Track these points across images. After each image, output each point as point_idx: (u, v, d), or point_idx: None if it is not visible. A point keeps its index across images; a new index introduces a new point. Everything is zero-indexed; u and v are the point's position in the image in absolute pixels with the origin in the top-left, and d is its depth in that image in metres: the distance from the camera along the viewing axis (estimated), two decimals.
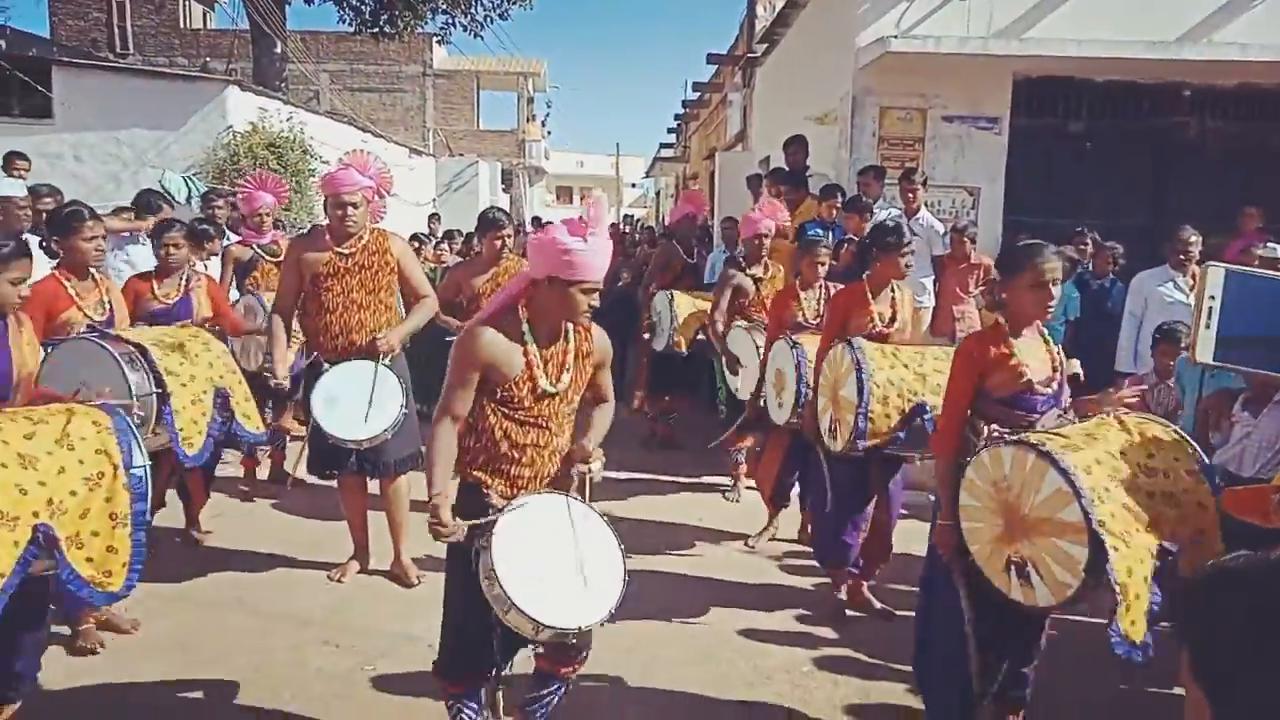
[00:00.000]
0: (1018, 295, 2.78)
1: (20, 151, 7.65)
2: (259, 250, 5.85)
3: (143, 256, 5.68)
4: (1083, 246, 6.63)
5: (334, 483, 4.37)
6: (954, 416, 2.88)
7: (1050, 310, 2.79)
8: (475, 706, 2.74)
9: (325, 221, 4.17)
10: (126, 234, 6.06)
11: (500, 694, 2.83)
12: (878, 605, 4.14)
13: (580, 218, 2.50)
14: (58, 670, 3.16)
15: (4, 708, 2.75)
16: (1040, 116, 7.45)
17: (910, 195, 6.62)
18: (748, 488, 5.90)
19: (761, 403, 4.73)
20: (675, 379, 6.89)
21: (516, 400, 2.56)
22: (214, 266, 5.75)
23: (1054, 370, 2.87)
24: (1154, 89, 7.35)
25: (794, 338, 4.46)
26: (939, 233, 6.64)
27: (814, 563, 4.45)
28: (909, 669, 3.57)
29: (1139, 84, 7.33)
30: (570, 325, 2.64)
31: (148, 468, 2.56)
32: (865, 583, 4.19)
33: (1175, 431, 2.71)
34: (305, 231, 4.31)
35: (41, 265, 4.17)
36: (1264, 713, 0.71)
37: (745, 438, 5.64)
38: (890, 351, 3.83)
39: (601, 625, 2.45)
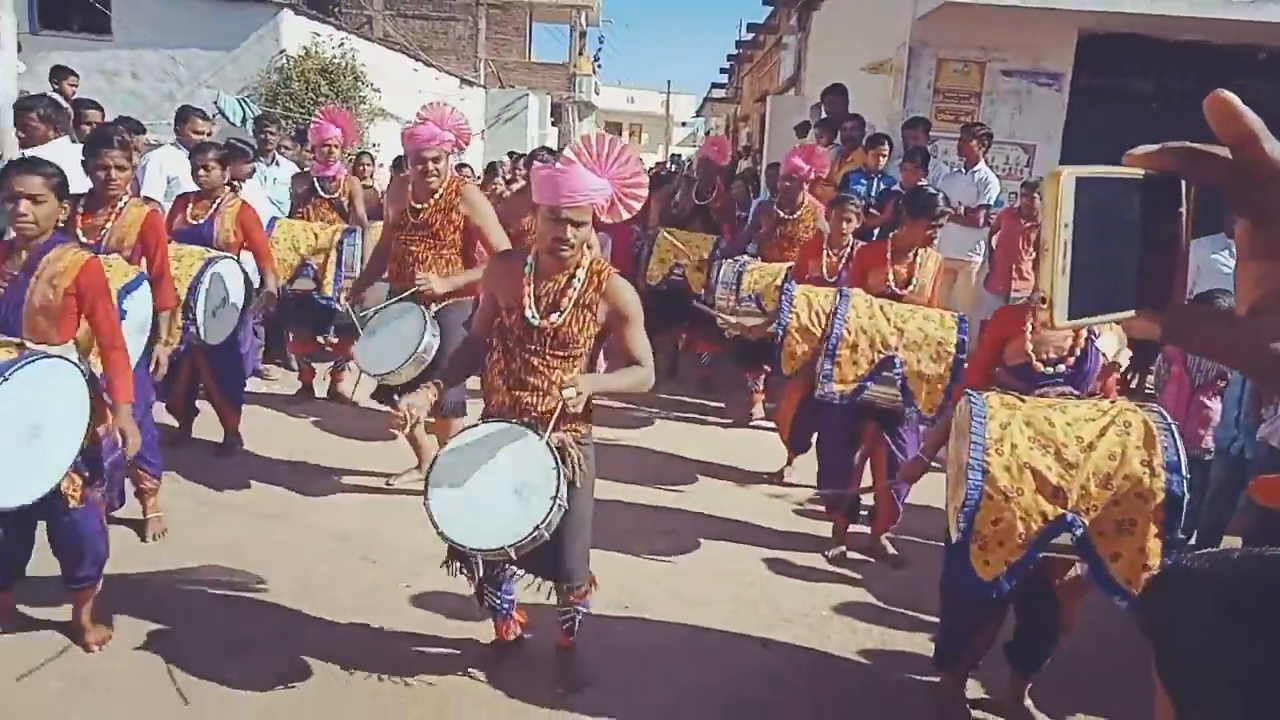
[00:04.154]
0: None
1: (68, 67, 7.72)
2: (318, 183, 5.95)
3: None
4: None
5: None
6: (971, 379, 3.05)
7: None
8: (498, 593, 2.96)
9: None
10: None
11: (487, 590, 2.97)
12: (890, 550, 4.22)
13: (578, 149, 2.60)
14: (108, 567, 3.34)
15: (87, 590, 3.02)
16: (1104, 75, 7.24)
17: (970, 148, 6.51)
18: (754, 425, 6.05)
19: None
20: (680, 320, 6.89)
21: (507, 329, 2.67)
22: (249, 189, 5.79)
23: (1070, 353, 2.93)
24: (1227, 50, 7.08)
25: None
26: (989, 190, 6.53)
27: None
28: (929, 618, 3.67)
29: (1211, 44, 7.07)
30: (582, 272, 2.63)
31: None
32: (879, 535, 4.26)
33: (1161, 425, 2.61)
34: (405, 174, 4.30)
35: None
36: (1225, 714, 0.69)
37: (758, 369, 5.80)
38: (879, 305, 3.89)
39: (502, 552, 2.50)
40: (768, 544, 4.34)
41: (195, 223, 4.60)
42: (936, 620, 3.57)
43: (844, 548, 4.23)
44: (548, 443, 2.56)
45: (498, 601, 2.98)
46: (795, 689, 3.22)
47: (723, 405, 6.52)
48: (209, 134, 5.79)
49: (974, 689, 3.18)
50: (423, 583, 3.62)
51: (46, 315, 2.81)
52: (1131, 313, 0.72)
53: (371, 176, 7.29)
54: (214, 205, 4.64)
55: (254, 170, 6.09)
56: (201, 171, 4.60)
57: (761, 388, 6.09)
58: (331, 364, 6.06)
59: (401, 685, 2.98)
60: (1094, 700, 3.17)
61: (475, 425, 2.68)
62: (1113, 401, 2.78)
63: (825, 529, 4.49)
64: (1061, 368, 2.93)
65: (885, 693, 3.24)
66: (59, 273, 2.83)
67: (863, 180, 6.52)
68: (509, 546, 2.47)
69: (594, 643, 3.21)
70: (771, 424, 6.06)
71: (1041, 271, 0.68)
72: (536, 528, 2.47)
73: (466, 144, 4.18)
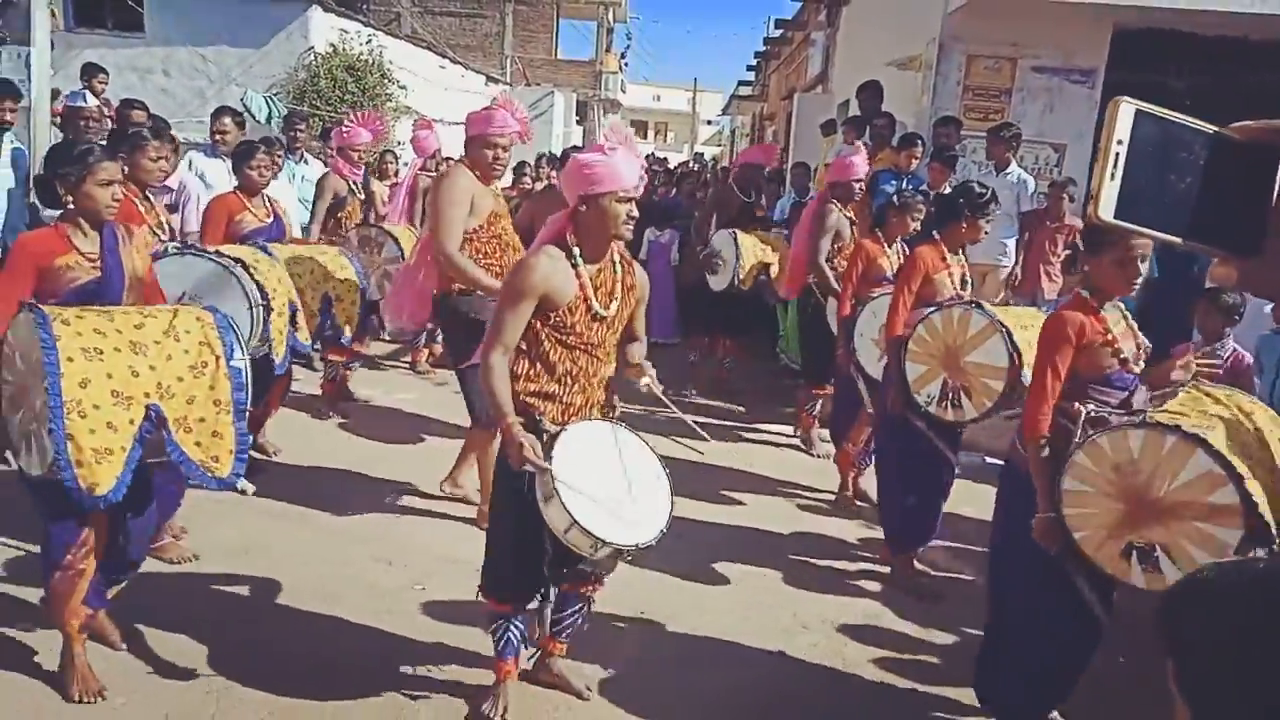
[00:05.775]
0: (1102, 270, 2.63)
1: (98, 65, 7.86)
2: (353, 186, 5.98)
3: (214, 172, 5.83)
4: None
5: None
6: (1048, 397, 2.65)
7: (1135, 286, 2.65)
8: (521, 626, 2.84)
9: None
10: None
11: (548, 611, 2.90)
12: (920, 567, 4.14)
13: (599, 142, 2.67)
14: None
15: (112, 588, 2.97)
16: (1137, 71, 7.07)
17: (999, 151, 6.40)
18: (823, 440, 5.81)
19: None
20: (722, 322, 6.78)
21: (570, 325, 2.63)
22: (277, 186, 5.80)
23: (1138, 346, 2.77)
24: (1264, 46, 6.90)
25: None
26: (1029, 190, 6.42)
27: (857, 516, 4.47)
28: (944, 630, 3.61)
29: (1249, 40, 6.89)
30: (617, 257, 2.71)
31: (247, 363, 2.77)
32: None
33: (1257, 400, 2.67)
34: (450, 166, 4.19)
35: None
36: None
37: (825, 387, 5.56)
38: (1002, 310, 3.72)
39: (654, 543, 2.54)
40: (784, 550, 4.28)
41: (267, 222, 4.64)
42: (952, 630, 3.53)
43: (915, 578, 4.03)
44: (640, 437, 2.72)
45: (517, 633, 2.84)
46: (810, 697, 3.17)
47: (743, 409, 6.46)
48: (233, 134, 5.81)
49: None
50: (436, 585, 3.61)
51: (141, 283, 2.96)
52: (1179, 240, 0.83)
53: (396, 175, 7.29)
54: (268, 203, 4.71)
55: None
56: (263, 172, 4.64)
57: (819, 409, 5.63)
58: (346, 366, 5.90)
59: (415, 687, 2.96)
60: (1107, 703, 3.10)
61: (569, 426, 2.60)
62: (1207, 393, 2.68)
63: (844, 534, 4.43)
64: (1141, 364, 2.72)
65: (900, 701, 3.19)
66: (138, 246, 2.99)
67: (893, 180, 6.43)
68: (653, 539, 2.54)
69: (608, 648, 3.18)
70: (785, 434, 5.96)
71: (1094, 175, 0.81)
72: (669, 520, 2.59)
73: (528, 138, 4.15)
